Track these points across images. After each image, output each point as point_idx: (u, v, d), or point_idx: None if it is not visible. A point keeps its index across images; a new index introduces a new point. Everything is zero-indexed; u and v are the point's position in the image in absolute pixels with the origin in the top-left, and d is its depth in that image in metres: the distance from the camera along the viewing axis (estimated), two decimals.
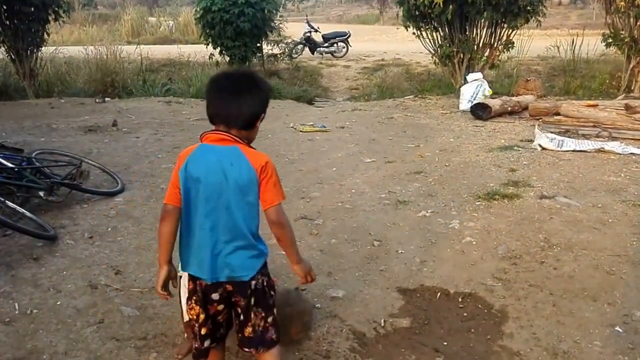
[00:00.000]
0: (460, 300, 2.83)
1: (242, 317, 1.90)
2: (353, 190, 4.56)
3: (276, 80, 11.41)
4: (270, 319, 1.93)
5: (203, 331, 1.89)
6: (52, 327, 2.57)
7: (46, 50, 10.13)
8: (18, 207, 3.64)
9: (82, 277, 3.06)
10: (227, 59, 9.74)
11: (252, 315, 1.89)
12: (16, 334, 2.51)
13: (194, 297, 1.88)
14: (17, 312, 2.69)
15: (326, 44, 14.93)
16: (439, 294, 2.89)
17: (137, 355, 2.37)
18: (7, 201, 3.59)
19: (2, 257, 3.26)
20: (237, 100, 1.80)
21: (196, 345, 1.92)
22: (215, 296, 1.87)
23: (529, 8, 8.75)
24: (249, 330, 1.90)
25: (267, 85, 1.93)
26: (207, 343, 1.92)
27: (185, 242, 1.88)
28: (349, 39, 15.04)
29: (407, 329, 2.58)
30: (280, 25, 11.84)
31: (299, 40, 14.13)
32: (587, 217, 3.81)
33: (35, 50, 9.58)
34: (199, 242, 1.82)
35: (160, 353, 2.38)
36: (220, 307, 1.90)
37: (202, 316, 1.88)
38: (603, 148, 5.56)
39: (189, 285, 1.91)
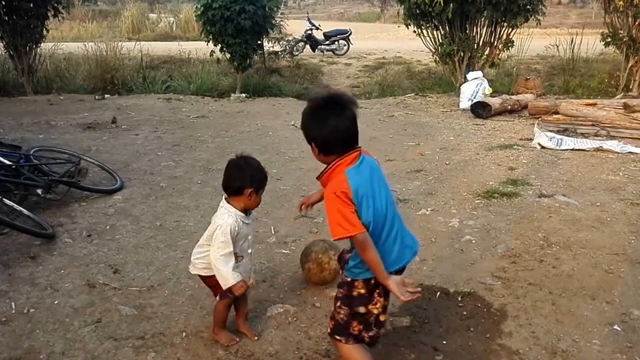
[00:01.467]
0: (459, 299, 2.82)
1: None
2: None
3: (277, 77, 11.40)
4: None
5: (382, 318, 2.06)
6: (49, 326, 2.56)
7: (45, 47, 10.10)
8: (15, 205, 3.63)
9: (80, 276, 3.05)
10: (228, 56, 9.71)
11: None
12: (13, 333, 2.50)
13: (377, 291, 1.99)
14: (13, 312, 2.68)
15: (327, 42, 14.87)
16: (438, 292, 2.88)
17: (134, 355, 2.36)
18: (4, 199, 3.58)
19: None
20: (355, 120, 1.97)
21: (371, 334, 2.05)
22: None
23: (528, 7, 8.75)
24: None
25: None
26: (375, 331, 2.06)
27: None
28: (350, 37, 14.99)
29: (407, 327, 2.58)
30: (281, 23, 11.79)
31: (300, 38, 14.09)
32: (586, 216, 3.81)
33: (34, 47, 9.55)
34: (391, 246, 2.01)
35: (158, 353, 2.37)
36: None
37: (385, 304, 2.04)
38: (601, 147, 5.56)
39: (369, 284, 1.99)
